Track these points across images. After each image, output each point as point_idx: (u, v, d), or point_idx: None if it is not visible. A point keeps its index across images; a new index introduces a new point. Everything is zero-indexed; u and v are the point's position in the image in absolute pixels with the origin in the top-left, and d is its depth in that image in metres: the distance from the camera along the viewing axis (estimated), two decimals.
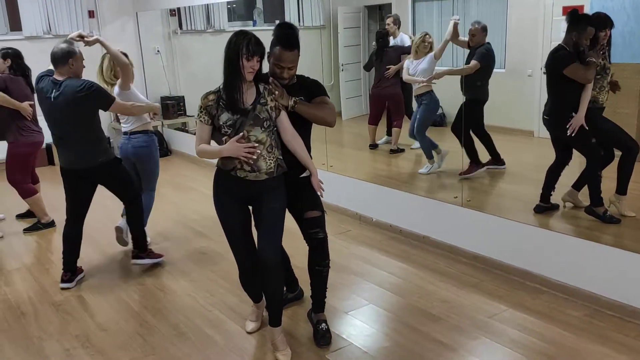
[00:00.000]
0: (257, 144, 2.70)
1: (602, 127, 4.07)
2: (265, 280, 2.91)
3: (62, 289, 3.85)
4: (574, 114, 3.95)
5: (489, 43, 5.55)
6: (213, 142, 2.87)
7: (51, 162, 7.53)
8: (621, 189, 4.12)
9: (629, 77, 4.85)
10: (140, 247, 4.11)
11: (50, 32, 7.52)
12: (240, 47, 2.62)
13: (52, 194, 5.43)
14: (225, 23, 8.54)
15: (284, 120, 2.79)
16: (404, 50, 6.39)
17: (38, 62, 7.50)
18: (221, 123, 2.72)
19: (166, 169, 7.14)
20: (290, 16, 9.01)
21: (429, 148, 5.54)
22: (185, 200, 5.75)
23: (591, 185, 4.20)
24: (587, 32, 3.87)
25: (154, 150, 4.33)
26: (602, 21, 4.04)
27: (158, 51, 8.34)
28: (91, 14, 7.78)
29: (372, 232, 4.65)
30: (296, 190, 2.97)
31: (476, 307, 3.37)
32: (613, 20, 4.11)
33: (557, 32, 6.42)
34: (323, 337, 3.06)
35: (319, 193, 2.99)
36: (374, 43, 6.92)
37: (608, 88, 4.11)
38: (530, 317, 3.22)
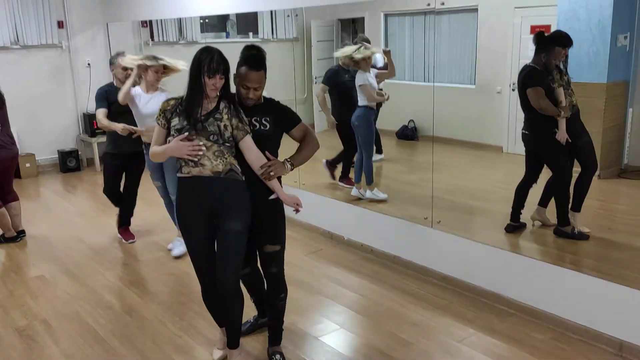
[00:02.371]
0: (200, 144, 2.70)
1: (581, 138, 4.15)
2: (222, 306, 2.92)
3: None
4: (556, 130, 4.04)
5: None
6: None
7: (17, 175, 7.33)
8: (576, 206, 4.22)
9: (594, 96, 4.97)
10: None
11: (18, 42, 7.36)
12: (203, 65, 2.64)
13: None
14: (198, 35, 8.49)
15: (247, 141, 2.77)
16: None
17: (5, 73, 7.41)
18: (171, 126, 2.76)
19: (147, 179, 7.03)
20: (264, 29, 9.00)
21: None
22: (155, 215, 5.67)
23: (559, 204, 4.28)
24: (555, 52, 3.99)
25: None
26: (564, 40, 4.14)
27: None
28: (60, 25, 7.64)
29: (344, 252, 4.66)
30: (260, 216, 2.91)
31: (445, 331, 3.40)
32: (579, 40, 4.21)
33: (526, 50, 6.56)
34: None
35: (294, 210, 2.94)
36: None
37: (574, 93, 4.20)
38: (497, 342, 3.26)
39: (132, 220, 5.09)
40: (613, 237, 4.34)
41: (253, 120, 2.85)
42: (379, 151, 6.69)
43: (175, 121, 2.75)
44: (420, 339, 3.30)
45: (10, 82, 7.32)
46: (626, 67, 5.63)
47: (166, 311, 3.72)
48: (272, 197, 2.93)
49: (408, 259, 4.25)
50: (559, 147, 4.08)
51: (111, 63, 4.71)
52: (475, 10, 7.16)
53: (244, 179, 2.81)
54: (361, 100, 5.16)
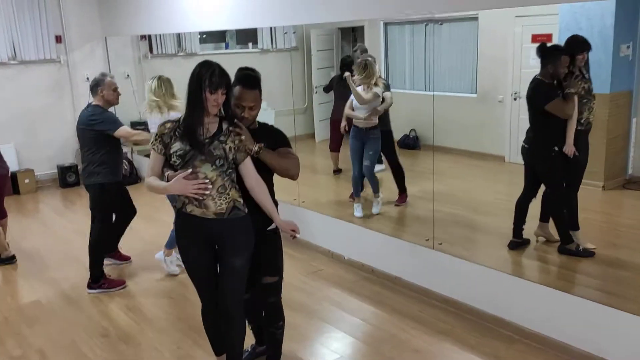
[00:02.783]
0: (207, 180, 2.59)
1: (581, 156, 4.10)
2: (225, 328, 2.84)
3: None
4: (556, 148, 3.96)
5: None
6: None
7: (16, 191, 7.30)
8: (572, 225, 4.18)
9: (597, 106, 4.89)
10: (94, 277, 4.40)
11: (16, 57, 7.32)
12: (203, 79, 2.53)
13: (17, 226, 5.25)
14: (197, 46, 8.44)
15: (248, 164, 2.69)
16: None
17: (3, 88, 7.38)
18: (171, 152, 2.62)
19: (135, 198, 6.94)
20: (263, 38, 8.95)
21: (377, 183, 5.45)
22: (153, 234, 5.60)
23: (557, 223, 4.23)
24: (562, 62, 3.92)
25: None
26: (579, 44, 4.06)
27: (128, 75, 8.17)
28: (58, 39, 7.59)
29: (344, 272, 4.58)
30: (258, 246, 2.83)
31: (448, 358, 3.32)
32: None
33: (527, 59, 6.51)
34: None
35: (290, 236, 2.87)
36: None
37: (594, 109, 4.13)
38: None
39: (130, 239, 5.02)
40: (618, 254, 4.27)
41: None
42: (380, 161, 6.65)
43: (176, 146, 2.61)
44: None
45: (8, 97, 7.32)
46: (629, 77, 5.56)
47: (163, 339, 3.64)
48: (271, 227, 2.88)
49: (410, 281, 4.17)
50: (556, 165, 4.03)
51: (98, 85, 4.25)
52: (476, 19, 7.10)
53: (246, 211, 2.73)
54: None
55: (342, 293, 4.21)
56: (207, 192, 2.59)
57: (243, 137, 2.65)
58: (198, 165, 2.59)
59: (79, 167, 7.77)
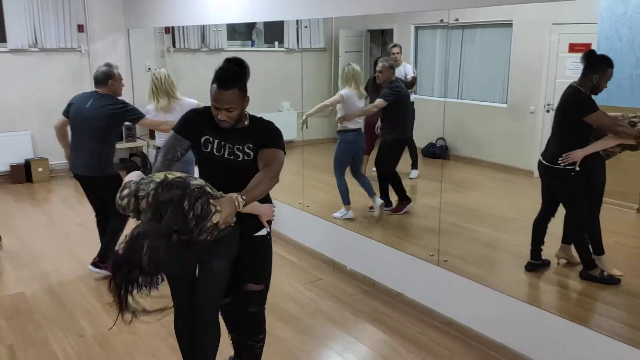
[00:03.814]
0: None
1: (595, 177, 3.75)
2: (197, 335, 2.61)
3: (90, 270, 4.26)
4: (577, 168, 3.62)
5: (397, 79, 5.31)
6: None
7: (29, 179, 7.24)
8: (596, 249, 3.83)
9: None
10: (103, 257, 4.24)
11: (37, 45, 7.26)
12: None
13: (22, 214, 5.11)
14: (225, 42, 8.27)
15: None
16: (406, 84, 6.03)
17: (22, 76, 7.34)
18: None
19: None
20: (289, 38, 8.74)
21: (345, 192, 5.11)
22: None
23: (578, 247, 3.88)
24: (607, 75, 3.59)
25: None
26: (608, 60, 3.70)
27: (149, 69, 8.06)
28: (80, 28, 7.52)
29: (344, 283, 4.28)
30: (243, 252, 2.58)
31: None
32: (620, 61, 3.80)
33: (563, 69, 6.12)
34: None
35: (265, 225, 2.59)
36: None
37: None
38: None
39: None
40: None
41: (235, 150, 2.50)
42: (415, 167, 6.36)
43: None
44: None
45: (27, 85, 7.28)
46: None
47: (139, 344, 3.41)
48: (260, 232, 2.61)
49: (411, 297, 3.84)
50: (576, 185, 3.66)
51: (109, 77, 4.17)
52: (510, 25, 6.73)
53: (235, 219, 2.41)
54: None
55: (339, 307, 3.91)
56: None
57: (220, 220, 2.17)
58: None
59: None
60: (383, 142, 5.41)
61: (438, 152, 7.30)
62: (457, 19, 3.68)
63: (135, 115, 4.23)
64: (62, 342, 3.43)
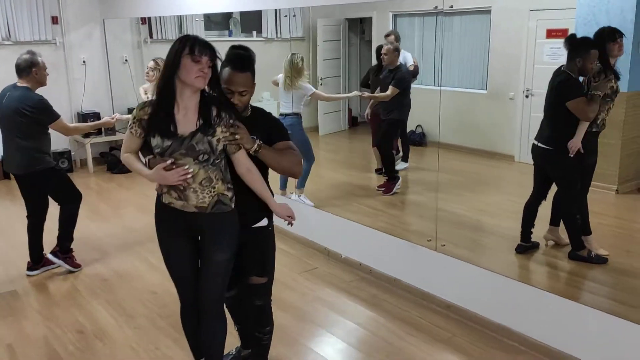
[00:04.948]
0: (187, 167, 2.32)
1: (590, 158, 3.84)
2: (203, 327, 2.59)
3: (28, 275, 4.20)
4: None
5: (401, 64, 5.48)
6: None
7: (7, 176, 7.07)
8: (584, 229, 3.93)
9: (614, 106, 4.62)
10: (62, 247, 4.23)
11: (10, 38, 7.07)
12: (184, 47, 2.23)
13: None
14: (202, 32, 8.17)
15: (239, 154, 2.42)
16: (411, 73, 5.97)
17: None
18: (152, 145, 2.36)
19: (129, 187, 6.75)
20: (268, 27, 8.68)
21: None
22: (144, 225, 5.36)
23: (568, 226, 3.97)
24: (591, 56, 3.61)
25: None
26: (611, 33, 3.73)
27: (126, 60, 7.94)
28: (54, 20, 7.34)
29: (341, 271, 4.31)
30: (244, 244, 2.58)
31: None
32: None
33: (541, 55, 6.22)
34: None
35: (287, 223, 2.63)
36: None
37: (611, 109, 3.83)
38: None
39: (123, 226, 4.82)
40: (632, 261, 3.99)
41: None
42: (405, 160, 6.38)
43: (154, 142, 2.33)
44: None
45: (2, 78, 7.04)
46: None
47: (141, 337, 3.39)
48: (261, 223, 2.61)
49: (409, 283, 3.90)
50: (572, 167, 3.75)
51: (33, 65, 3.88)
52: (488, 12, 6.81)
53: (233, 206, 2.46)
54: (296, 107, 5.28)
55: (337, 294, 3.95)
56: (189, 177, 2.33)
57: (238, 137, 2.36)
58: (178, 158, 2.33)
59: (72, 153, 7.57)
60: (383, 122, 5.59)
61: (418, 139, 7.39)
62: (451, 6, 3.69)
63: (48, 119, 3.89)
64: (61, 339, 3.39)
